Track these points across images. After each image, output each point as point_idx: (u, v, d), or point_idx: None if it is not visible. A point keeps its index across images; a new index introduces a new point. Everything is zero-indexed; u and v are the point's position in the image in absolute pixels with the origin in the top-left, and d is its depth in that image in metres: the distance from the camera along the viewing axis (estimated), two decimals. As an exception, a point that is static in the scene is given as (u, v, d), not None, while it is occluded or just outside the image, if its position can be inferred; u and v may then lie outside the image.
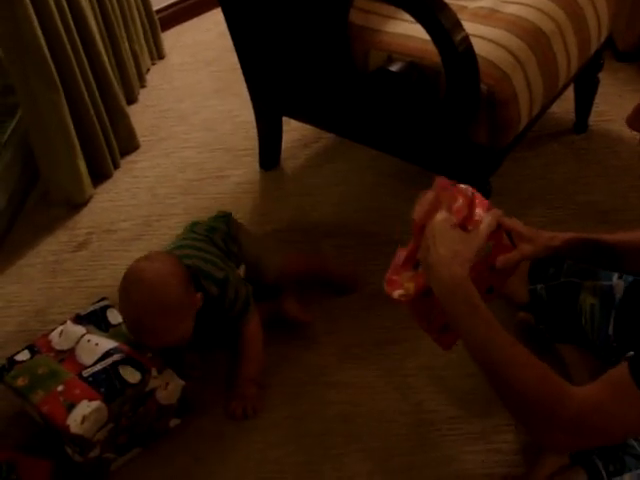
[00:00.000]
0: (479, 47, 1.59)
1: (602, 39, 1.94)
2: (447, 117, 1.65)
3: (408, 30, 1.71)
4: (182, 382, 1.62)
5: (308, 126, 2.24)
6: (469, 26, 1.59)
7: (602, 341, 1.45)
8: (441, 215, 1.23)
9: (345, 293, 1.88)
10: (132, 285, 1.57)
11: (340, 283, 1.89)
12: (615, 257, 1.36)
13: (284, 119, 2.21)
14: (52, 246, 2.18)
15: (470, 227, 1.24)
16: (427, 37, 1.56)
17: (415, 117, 1.72)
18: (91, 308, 1.74)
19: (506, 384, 1.09)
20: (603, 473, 1.23)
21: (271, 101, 2.11)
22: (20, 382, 1.57)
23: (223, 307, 1.66)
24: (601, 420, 1.02)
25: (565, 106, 2.28)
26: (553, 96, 1.85)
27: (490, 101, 1.62)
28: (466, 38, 1.53)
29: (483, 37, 1.67)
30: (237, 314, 1.69)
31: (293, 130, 2.36)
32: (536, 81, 1.70)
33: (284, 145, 2.29)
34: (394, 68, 1.68)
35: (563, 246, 1.35)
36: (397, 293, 1.31)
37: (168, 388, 1.59)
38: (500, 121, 1.65)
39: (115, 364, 1.55)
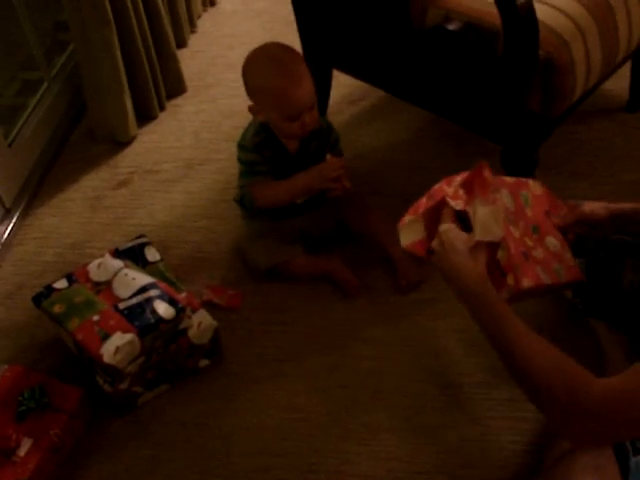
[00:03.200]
0: (541, 12, 1.56)
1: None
2: (502, 81, 1.62)
3: (469, -10, 1.68)
4: (215, 323, 1.63)
5: (356, 83, 2.23)
6: (533, -10, 1.56)
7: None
8: (443, 227, 1.24)
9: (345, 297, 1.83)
10: (270, 48, 1.72)
11: (342, 287, 1.84)
12: None
13: (334, 74, 2.19)
14: (93, 182, 2.20)
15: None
16: (488, -2, 1.53)
17: (469, 79, 1.70)
18: (130, 244, 1.75)
19: (525, 374, 1.11)
20: (629, 448, 1.23)
21: (323, 52, 2.09)
22: (57, 309, 1.59)
23: (329, 139, 1.84)
24: (625, 406, 1.02)
25: (620, 83, 2.23)
26: (611, 69, 1.81)
27: (547, 68, 1.59)
28: (529, 2, 1.50)
29: (546, 2, 1.65)
30: (333, 145, 1.86)
31: (341, 86, 2.34)
32: (595, 51, 1.66)
33: (331, 100, 2.27)
34: (451, 27, 1.65)
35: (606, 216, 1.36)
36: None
37: (201, 327, 1.60)
38: (555, 89, 1.62)
39: (151, 299, 1.56)
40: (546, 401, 1.10)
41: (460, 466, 1.50)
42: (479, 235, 1.21)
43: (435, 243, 1.25)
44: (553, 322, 1.71)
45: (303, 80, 1.66)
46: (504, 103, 1.68)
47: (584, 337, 1.62)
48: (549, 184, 1.94)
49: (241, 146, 1.79)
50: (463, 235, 1.22)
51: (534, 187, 1.39)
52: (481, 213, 1.22)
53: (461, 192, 1.26)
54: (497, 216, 1.23)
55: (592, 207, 1.38)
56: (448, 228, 1.23)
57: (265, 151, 1.77)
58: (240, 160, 1.80)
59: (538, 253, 1.30)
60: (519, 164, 1.78)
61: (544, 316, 1.71)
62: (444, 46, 1.68)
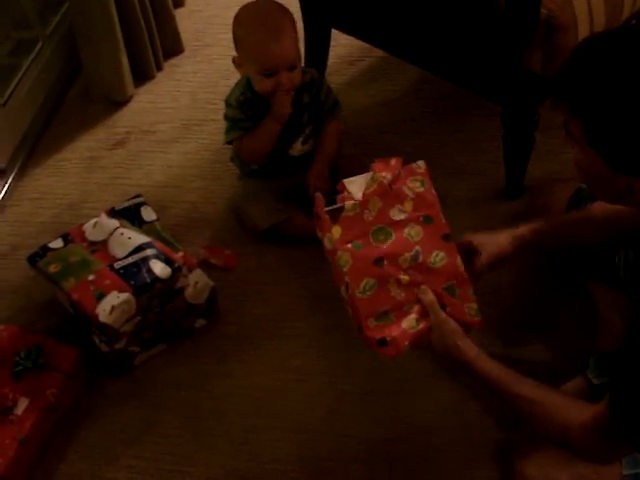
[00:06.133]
0: (543, -31, 1.54)
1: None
2: (503, 39, 1.60)
3: (470, -55, 1.65)
4: (211, 283, 1.63)
5: (355, 43, 2.19)
6: (535, -55, 1.53)
7: (635, 282, 1.42)
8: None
9: None
10: (261, 2, 1.72)
11: None
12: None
13: (332, 34, 2.16)
14: (90, 143, 2.18)
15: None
16: (490, -47, 1.50)
17: (470, 37, 1.68)
18: (126, 204, 1.74)
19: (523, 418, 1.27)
20: None
21: (321, 12, 2.06)
22: (52, 269, 1.59)
23: (319, 99, 1.82)
24: (604, 439, 1.10)
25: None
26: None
27: (548, 26, 1.56)
28: (531, -43, 1.48)
29: (548, -41, 1.61)
30: (329, 108, 1.85)
31: (340, 46, 2.31)
32: (598, 10, 1.63)
33: (330, 61, 2.24)
34: (453, -16, 1.63)
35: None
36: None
37: (197, 287, 1.60)
38: (556, 48, 1.60)
39: (147, 259, 1.56)
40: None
41: (459, 427, 1.51)
42: (347, 180, 1.35)
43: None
44: (550, 286, 1.71)
45: (284, 36, 1.65)
46: (504, 62, 1.65)
47: (581, 299, 1.62)
48: (549, 145, 1.94)
49: (227, 103, 1.79)
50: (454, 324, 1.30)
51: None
52: (366, 175, 1.35)
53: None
54: (369, 184, 1.34)
55: (497, 251, 1.42)
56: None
57: (251, 109, 1.76)
58: (225, 116, 1.80)
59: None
60: (519, 124, 1.76)
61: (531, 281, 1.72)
62: (445, 3, 1.65)
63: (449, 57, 1.79)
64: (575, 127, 1.06)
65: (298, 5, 2.05)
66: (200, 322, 1.67)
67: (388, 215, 1.34)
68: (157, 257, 1.56)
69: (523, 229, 1.43)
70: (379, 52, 2.20)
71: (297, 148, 1.84)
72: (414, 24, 1.79)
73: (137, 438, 1.54)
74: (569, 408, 1.16)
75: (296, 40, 1.70)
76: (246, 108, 1.76)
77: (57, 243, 1.65)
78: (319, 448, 1.50)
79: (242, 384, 1.60)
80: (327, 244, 1.34)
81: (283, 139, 1.79)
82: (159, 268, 1.53)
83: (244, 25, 1.70)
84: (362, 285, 1.29)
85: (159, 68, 2.36)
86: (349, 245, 1.31)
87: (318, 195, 1.34)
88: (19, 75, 2.19)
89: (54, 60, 2.31)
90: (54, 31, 2.34)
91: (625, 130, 0.99)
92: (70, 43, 2.30)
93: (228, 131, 1.80)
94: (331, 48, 2.20)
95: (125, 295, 1.49)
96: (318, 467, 1.48)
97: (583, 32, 1.62)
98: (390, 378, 1.58)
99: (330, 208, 1.32)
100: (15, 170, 2.09)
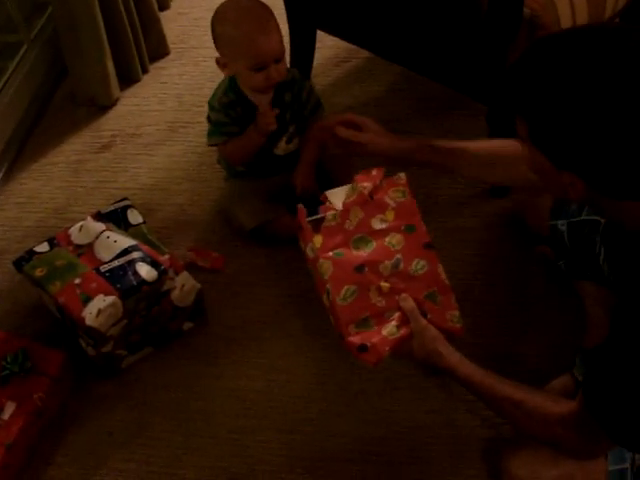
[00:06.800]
0: (526, -31, 1.54)
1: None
2: (487, 38, 1.61)
3: (454, -55, 1.65)
4: (198, 285, 1.62)
5: (341, 44, 2.20)
6: (518, -55, 1.53)
7: (619, 278, 1.43)
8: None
9: None
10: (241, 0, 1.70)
11: None
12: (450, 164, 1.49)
13: (318, 35, 2.16)
14: (76, 146, 2.17)
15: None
16: (473, -47, 1.51)
17: (454, 36, 1.68)
18: (112, 207, 1.74)
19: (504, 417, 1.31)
20: None
21: (307, 13, 2.06)
22: (38, 273, 1.58)
23: (300, 98, 1.80)
24: (584, 433, 1.12)
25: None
26: (597, 28, 1.79)
27: (532, 26, 1.57)
28: (513, -43, 1.48)
29: (531, -41, 1.62)
30: (312, 107, 1.83)
31: (325, 48, 2.31)
32: (581, 9, 1.64)
33: (315, 62, 2.24)
34: (436, -16, 1.63)
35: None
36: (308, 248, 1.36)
37: (184, 290, 1.60)
38: (540, 48, 1.61)
39: (133, 261, 1.55)
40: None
41: (447, 425, 1.52)
42: (329, 192, 1.39)
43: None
44: (538, 285, 1.71)
45: (271, 30, 1.65)
46: (488, 61, 1.66)
47: (569, 299, 1.62)
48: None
49: (210, 105, 1.78)
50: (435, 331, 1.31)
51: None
52: (347, 186, 1.39)
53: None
54: (349, 194, 1.37)
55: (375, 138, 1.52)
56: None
57: (235, 110, 1.76)
58: (209, 119, 1.80)
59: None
60: (504, 124, 1.76)
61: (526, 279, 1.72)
62: (429, 3, 1.66)
63: (434, 57, 1.80)
64: (521, 126, 1.08)
65: (283, 6, 2.05)
66: (187, 324, 1.67)
67: (369, 224, 1.36)
68: (143, 260, 1.55)
69: (408, 140, 1.52)
70: (365, 53, 2.20)
71: (282, 147, 1.83)
72: (399, 24, 1.79)
73: (125, 441, 1.54)
74: (549, 405, 1.17)
75: (280, 32, 1.69)
76: (230, 110, 1.75)
77: (43, 247, 1.65)
78: (308, 448, 1.50)
79: (231, 386, 1.60)
80: (309, 253, 1.35)
81: (267, 138, 1.79)
82: (145, 271, 1.53)
83: (228, 22, 1.68)
84: (343, 292, 1.30)
85: (145, 71, 2.36)
86: (330, 253, 1.32)
87: (300, 206, 1.36)
88: (4, 79, 2.19)
89: (39, 64, 2.30)
90: (39, 34, 2.33)
91: (564, 129, 1.00)
92: (55, 46, 2.29)
93: (211, 134, 1.80)
94: (316, 50, 2.20)
95: (111, 298, 1.49)
96: (307, 467, 1.48)
97: (566, 31, 1.63)
98: (378, 378, 1.58)
99: (312, 218, 1.34)
100: (1, 175, 2.08)
